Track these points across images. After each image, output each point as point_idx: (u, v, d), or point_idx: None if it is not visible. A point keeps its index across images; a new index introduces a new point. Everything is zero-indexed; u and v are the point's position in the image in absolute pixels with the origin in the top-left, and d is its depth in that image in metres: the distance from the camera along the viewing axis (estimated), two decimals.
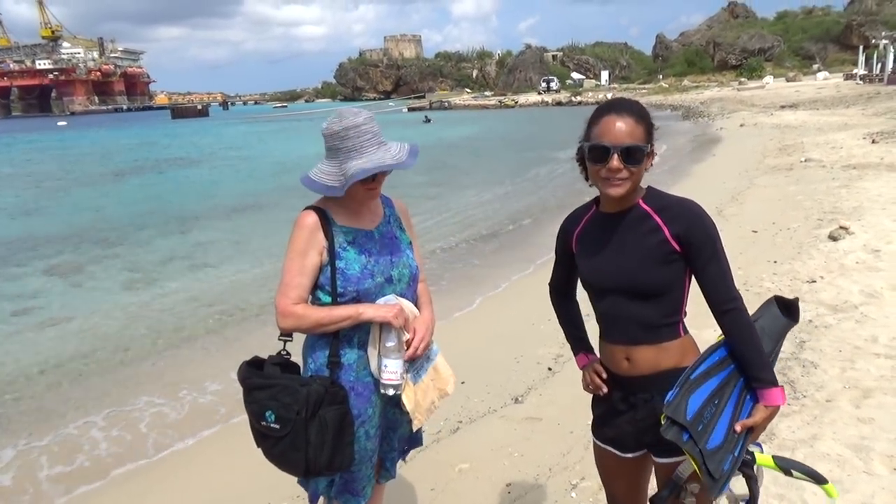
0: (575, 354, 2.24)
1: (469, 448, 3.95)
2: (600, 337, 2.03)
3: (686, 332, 1.93)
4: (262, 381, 2.14)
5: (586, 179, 1.95)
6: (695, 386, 1.78)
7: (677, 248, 1.81)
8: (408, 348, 2.18)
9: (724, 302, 1.81)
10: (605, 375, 2.04)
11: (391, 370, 2.14)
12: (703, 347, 1.93)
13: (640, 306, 1.87)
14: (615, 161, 1.78)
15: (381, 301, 2.17)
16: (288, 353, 2.24)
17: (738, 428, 1.77)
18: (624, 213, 1.89)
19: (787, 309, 1.98)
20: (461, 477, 3.65)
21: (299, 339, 2.26)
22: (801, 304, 5.77)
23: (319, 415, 2.06)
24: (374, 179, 2.16)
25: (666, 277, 1.84)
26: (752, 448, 1.84)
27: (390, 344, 2.13)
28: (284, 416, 2.06)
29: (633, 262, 1.85)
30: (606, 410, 2.05)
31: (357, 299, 2.15)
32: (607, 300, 1.94)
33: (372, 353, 2.17)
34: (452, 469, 3.71)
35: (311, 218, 2.15)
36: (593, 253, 1.96)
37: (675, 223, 1.81)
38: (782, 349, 2.04)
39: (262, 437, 2.15)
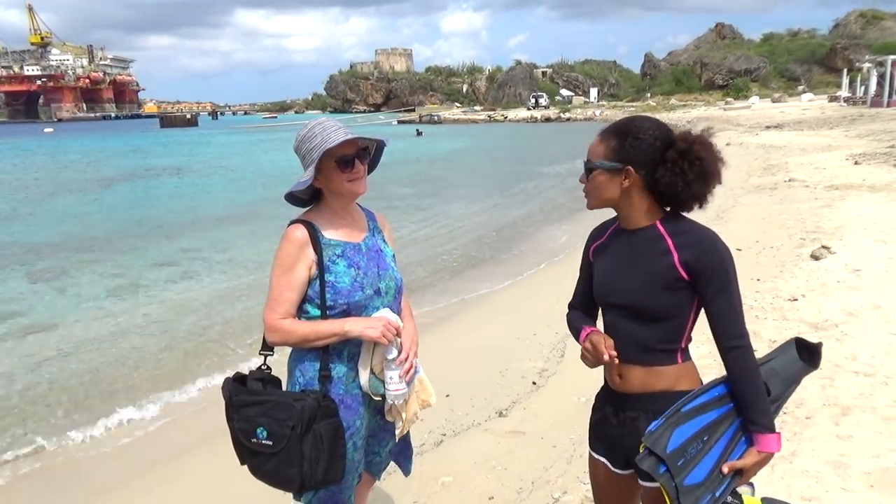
0: (580, 330, 2.02)
1: (452, 461, 3.95)
2: None
3: (686, 359, 1.89)
4: (251, 397, 2.11)
5: None
6: (684, 419, 1.75)
7: (685, 275, 1.77)
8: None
9: (730, 339, 1.77)
10: (608, 343, 1.86)
11: (396, 381, 2.17)
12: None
13: (638, 327, 1.85)
14: (582, 175, 1.93)
15: (376, 315, 2.18)
16: (269, 368, 2.22)
17: (724, 469, 1.73)
18: (639, 232, 1.88)
19: (808, 352, 1.90)
20: (444, 490, 3.65)
21: (280, 353, 2.25)
22: (782, 323, 5.77)
23: (314, 429, 2.04)
24: (353, 168, 2.15)
25: (669, 303, 1.80)
26: (743, 489, 1.80)
27: (391, 356, 2.16)
28: (278, 431, 2.03)
29: (638, 282, 1.84)
30: (600, 420, 2.05)
31: (347, 312, 2.14)
32: (610, 315, 1.95)
33: (363, 368, 2.18)
34: (435, 482, 3.71)
35: (300, 232, 2.14)
36: (605, 266, 1.97)
37: (686, 250, 1.77)
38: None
39: (252, 455, 2.11)
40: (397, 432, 2.33)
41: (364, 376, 2.18)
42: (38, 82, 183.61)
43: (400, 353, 2.19)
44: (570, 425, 4.16)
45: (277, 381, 2.23)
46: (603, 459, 2.05)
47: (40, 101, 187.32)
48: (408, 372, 2.21)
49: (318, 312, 2.15)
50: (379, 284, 2.23)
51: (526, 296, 7.92)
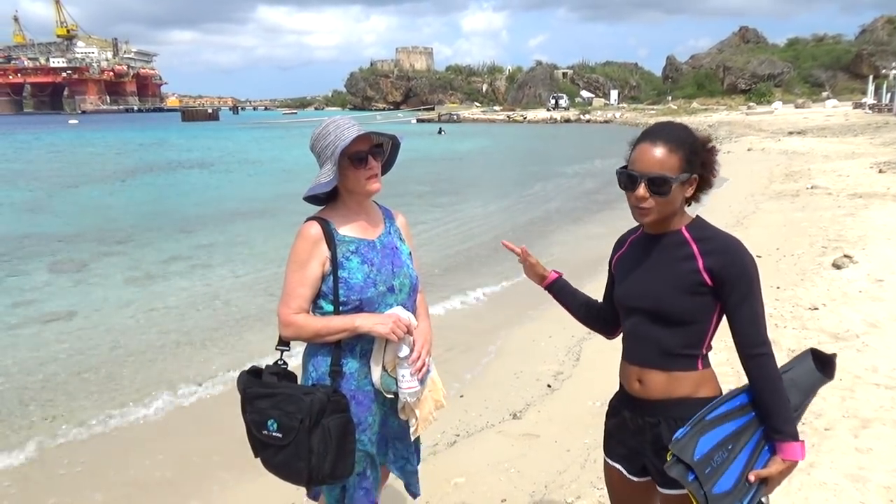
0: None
1: (465, 462, 3.94)
2: (622, 356, 2.02)
3: (707, 365, 1.89)
4: (264, 390, 2.15)
5: None
6: (708, 427, 1.75)
7: (709, 281, 1.77)
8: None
9: (752, 346, 1.77)
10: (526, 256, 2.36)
11: (408, 379, 2.18)
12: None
13: (660, 331, 1.85)
14: (641, 189, 1.78)
15: (388, 312, 2.19)
16: (285, 363, 2.25)
17: (751, 478, 1.73)
18: (663, 237, 1.88)
19: (823, 363, 1.91)
20: (456, 491, 3.64)
21: (297, 348, 2.27)
22: (802, 332, 5.71)
23: (322, 423, 2.07)
24: (366, 164, 2.17)
25: (691, 307, 1.80)
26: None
27: (403, 354, 2.17)
28: (287, 424, 2.07)
29: (660, 286, 1.84)
30: (616, 426, 2.03)
31: (359, 308, 2.17)
32: (631, 319, 1.94)
33: (375, 364, 2.19)
34: (448, 483, 3.70)
35: (314, 229, 2.17)
36: (627, 271, 1.97)
37: (712, 256, 1.78)
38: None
39: (263, 447, 2.15)
40: (411, 431, 2.33)
41: (376, 373, 2.20)
42: (64, 74, 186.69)
43: (412, 351, 2.19)
44: (585, 429, 4.14)
45: (293, 376, 2.26)
46: (618, 466, 2.04)
47: (65, 92, 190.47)
48: (420, 370, 2.21)
49: (331, 308, 2.18)
50: (393, 282, 2.25)
51: (542, 297, 7.87)
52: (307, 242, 2.16)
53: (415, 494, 2.52)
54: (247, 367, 2.27)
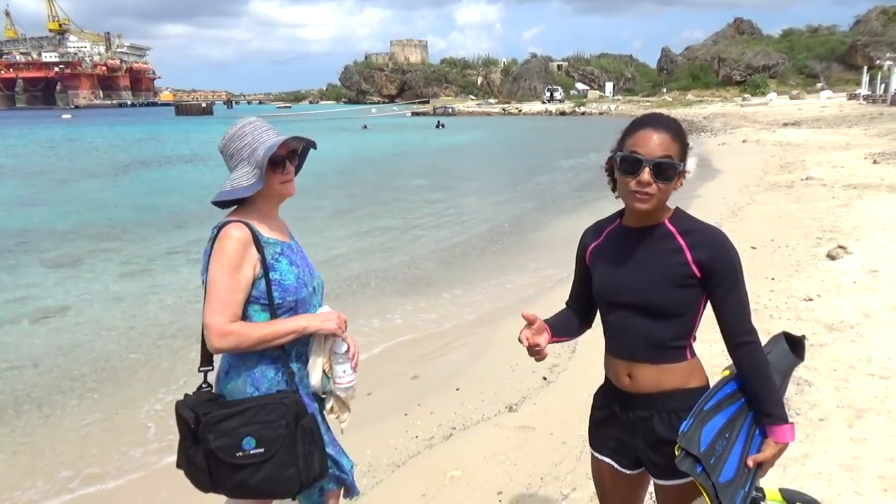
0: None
1: (461, 455, 3.95)
2: (605, 349, 2.01)
3: (694, 355, 1.90)
4: (229, 409, 2.03)
5: (613, 191, 1.89)
6: (708, 417, 1.77)
7: (697, 273, 1.78)
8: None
9: (740, 335, 1.79)
10: (535, 341, 1.98)
11: (350, 373, 2.19)
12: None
13: (649, 324, 1.84)
14: (646, 174, 1.74)
15: (323, 311, 2.22)
16: (209, 385, 2.17)
17: (750, 463, 1.75)
18: (647, 230, 1.86)
19: (793, 345, 1.96)
20: (453, 483, 3.65)
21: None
22: (796, 323, 5.74)
23: (302, 424, 2.05)
24: (283, 169, 2.15)
25: (679, 300, 1.81)
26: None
27: (342, 350, 2.18)
28: (271, 435, 1.99)
29: (648, 280, 1.83)
30: (604, 420, 2.02)
31: (294, 310, 2.14)
32: (616, 314, 1.92)
33: (315, 364, 2.17)
34: (444, 475, 3.71)
35: (243, 231, 2.08)
36: (609, 264, 1.93)
37: (699, 249, 1.78)
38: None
39: (236, 470, 2.01)
40: (343, 426, 2.31)
41: (316, 374, 2.17)
42: (56, 69, 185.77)
43: (349, 346, 2.20)
44: (580, 422, 4.14)
45: (220, 398, 2.14)
46: (608, 461, 2.02)
47: (58, 87, 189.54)
48: (356, 364, 2.23)
49: (266, 313, 2.10)
50: (314, 283, 2.26)
51: (538, 289, 7.90)
52: (238, 244, 2.05)
53: (353, 492, 2.41)
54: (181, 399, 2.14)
